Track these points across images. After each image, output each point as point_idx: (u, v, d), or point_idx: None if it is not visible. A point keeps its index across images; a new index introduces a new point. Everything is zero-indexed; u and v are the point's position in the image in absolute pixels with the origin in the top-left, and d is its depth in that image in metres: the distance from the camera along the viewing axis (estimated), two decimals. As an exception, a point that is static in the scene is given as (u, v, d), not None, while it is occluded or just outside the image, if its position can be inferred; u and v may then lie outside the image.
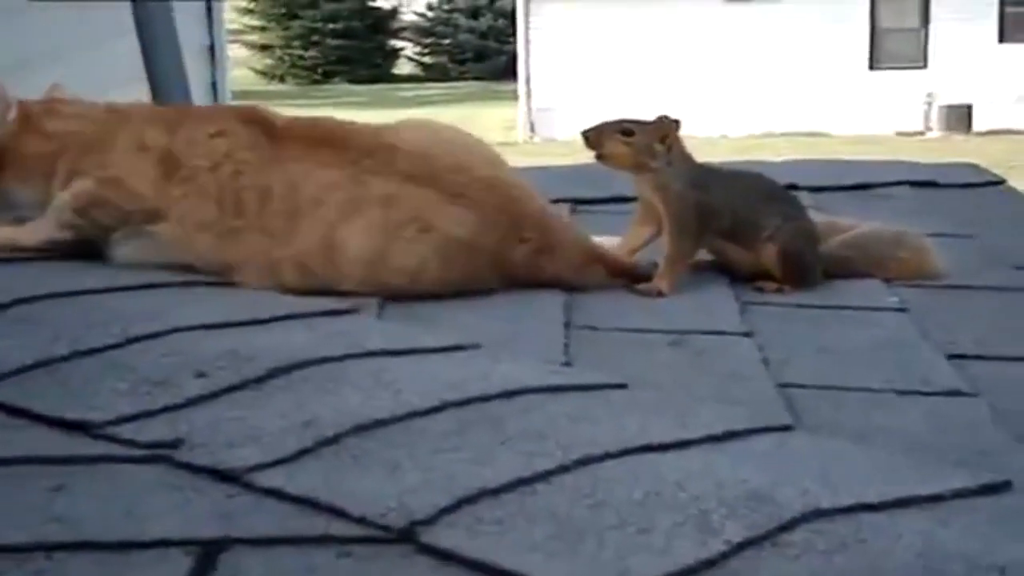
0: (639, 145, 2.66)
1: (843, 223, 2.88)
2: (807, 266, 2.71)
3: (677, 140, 2.69)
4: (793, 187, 3.44)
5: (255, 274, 2.43)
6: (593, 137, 2.69)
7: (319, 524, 1.56)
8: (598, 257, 2.63)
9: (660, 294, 2.59)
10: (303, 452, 1.71)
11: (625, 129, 2.68)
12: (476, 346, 2.12)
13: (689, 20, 25.58)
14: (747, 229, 2.70)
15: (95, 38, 6.71)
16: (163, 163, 2.51)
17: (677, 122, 2.70)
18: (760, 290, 2.67)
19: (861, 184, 3.66)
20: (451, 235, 2.48)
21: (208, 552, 1.50)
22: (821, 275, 2.72)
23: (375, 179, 2.48)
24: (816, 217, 2.86)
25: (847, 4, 25.48)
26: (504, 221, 2.53)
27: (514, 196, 2.58)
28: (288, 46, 33.08)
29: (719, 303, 2.58)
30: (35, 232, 2.51)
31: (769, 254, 2.68)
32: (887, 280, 2.74)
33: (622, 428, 1.80)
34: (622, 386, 1.99)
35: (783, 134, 24.75)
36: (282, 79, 32.92)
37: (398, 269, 2.45)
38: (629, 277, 2.63)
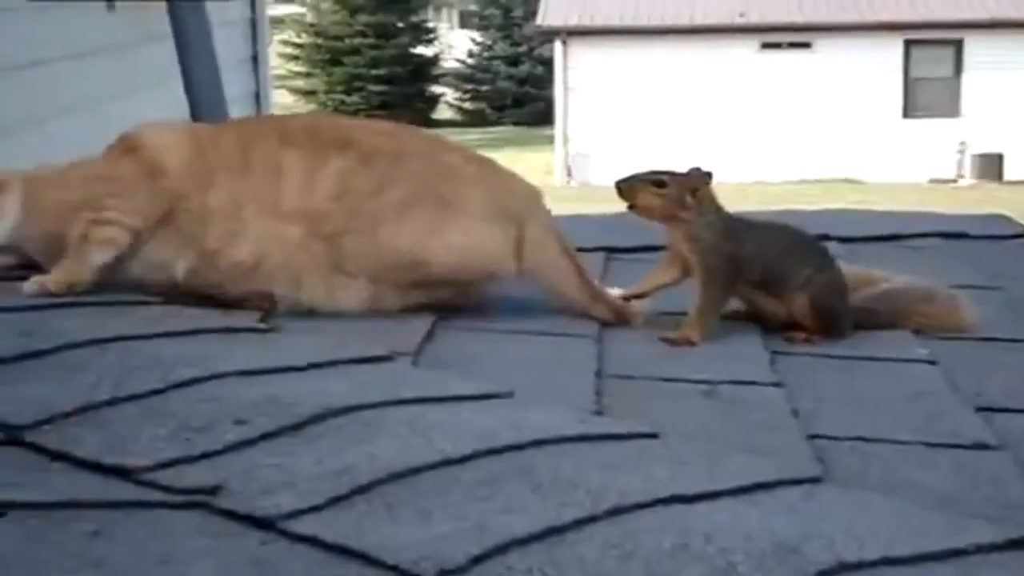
0: (671, 197, 2.70)
1: (877, 275, 2.90)
2: (837, 317, 2.73)
3: (708, 192, 2.72)
4: (825, 237, 3.46)
5: None
6: (626, 189, 2.73)
7: (352, 571, 1.58)
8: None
9: (690, 343, 2.62)
10: (337, 499, 1.74)
11: (657, 181, 2.71)
12: (509, 394, 2.15)
13: (724, 67, 25.66)
14: (778, 280, 2.73)
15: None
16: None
17: (709, 174, 2.73)
18: (790, 340, 2.69)
19: (892, 235, 3.68)
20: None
21: (243, 597, 1.53)
22: (851, 326, 2.74)
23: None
24: (851, 268, 2.88)
25: (881, 53, 25.52)
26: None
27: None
28: (331, 91, 33.30)
29: (749, 353, 2.60)
30: None
31: (800, 304, 2.70)
32: (916, 332, 2.76)
33: (652, 478, 1.83)
34: (653, 435, 2.01)
35: (817, 180, 24.73)
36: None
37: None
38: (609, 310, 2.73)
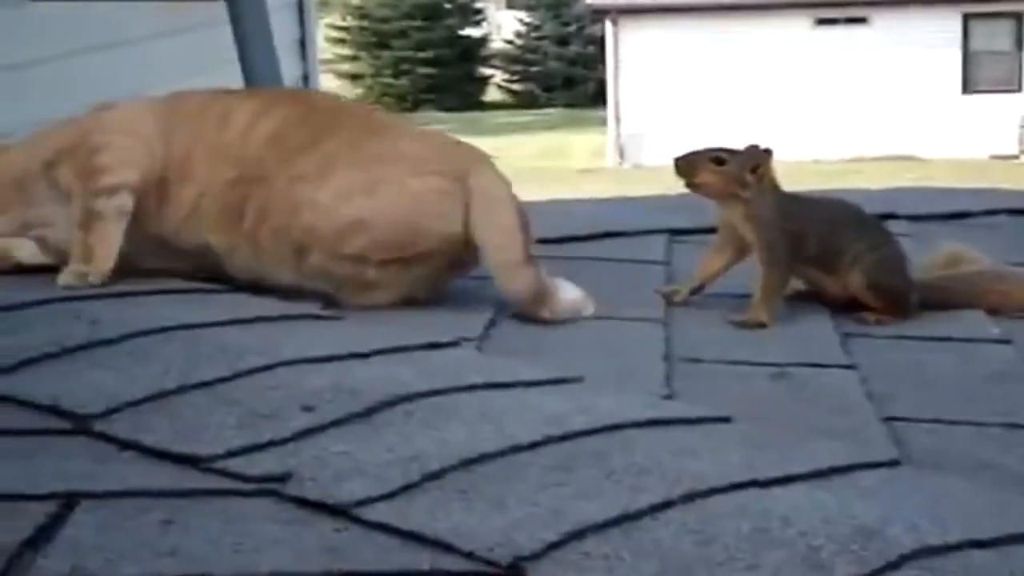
0: (731, 174, 2.66)
1: (970, 255, 2.85)
2: (895, 293, 2.69)
3: (769, 170, 2.68)
4: (891, 216, 3.42)
5: None
6: (684, 165, 2.70)
7: (426, 559, 1.57)
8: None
9: (761, 325, 2.58)
10: (409, 486, 1.72)
11: (717, 158, 2.68)
12: (578, 379, 2.13)
13: (778, 43, 25.47)
14: (833, 255, 2.69)
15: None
16: None
17: (769, 151, 2.70)
18: (861, 321, 2.65)
19: (959, 213, 3.63)
20: None
21: (318, 586, 1.51)
22: (915, 304, 2.70)
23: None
24: (947, 248, 2.84)
25: (939, 27, 25.24)
26: None
27: None
28: (379, 75, 33.36)
29: (820, 335, 2.56)
30: None
31: (855, 281, 2.67)
32: (990, 312, 2.71)
33: (726, 462, 1.80)
34: (725, 420, 1.98)
35: (875, 158, 24.55)
36: (372, 107, 33.18)
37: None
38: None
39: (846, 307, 2.69)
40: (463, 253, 2.54)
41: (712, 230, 3.13)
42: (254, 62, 3.93)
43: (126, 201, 2.54)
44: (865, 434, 2.04)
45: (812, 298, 2.74)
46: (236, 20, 4.04)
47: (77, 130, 2.61)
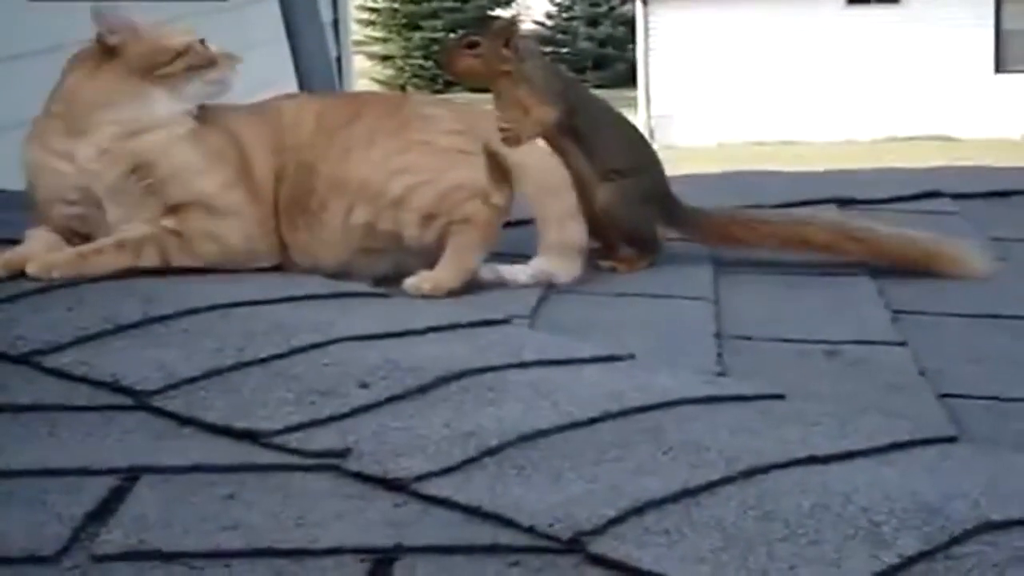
0: (487, 54, 2.71)
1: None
2: (632, 232, 2.77)
3: (523, 40, 2.73)
4: (935, 194, 3.41)
5: None
6: (444, 59, 2.78)
7: (487, 534, 1.58)
8: None
9: (516, 143, 2.61)
10: (468, 462, 1.73)
11: (470, 43, 2.72)
12: (631, 356, 2.13)
13: (810, 23, 25.35)
14: (595, 147, 2.74)
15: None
16: None
17: (514, 20, 2.78)
18: (599, 267, 2.73)
19: (1003, 191, 3.60)
20: None
21: (382, 560, 1.52)
22: (654, 250, 2.79)
23: None
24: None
25: (972, 6, 25.07)
26: None
27: None
28: (409, 56, 33.34)
29: (870, 312, 2.56)
30: None
31: (604, 197, 2.72)
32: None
33: (784, 439, 1.80)
34: (780, 397, 1.98)
35: (907, 138, 24.42)
36: (403, 89, 33.19)
37: None
38: None
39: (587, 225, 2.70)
40: (493, 214, 2.57)
41: (759, 206, 3.14)
42: (303, 43, 3.94)
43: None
44: (921, 411, 2.03)
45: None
46: (285, 6, 4.05)
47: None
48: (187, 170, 2.51)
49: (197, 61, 2.55)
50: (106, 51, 2.51)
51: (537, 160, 2.63)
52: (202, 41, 2.59)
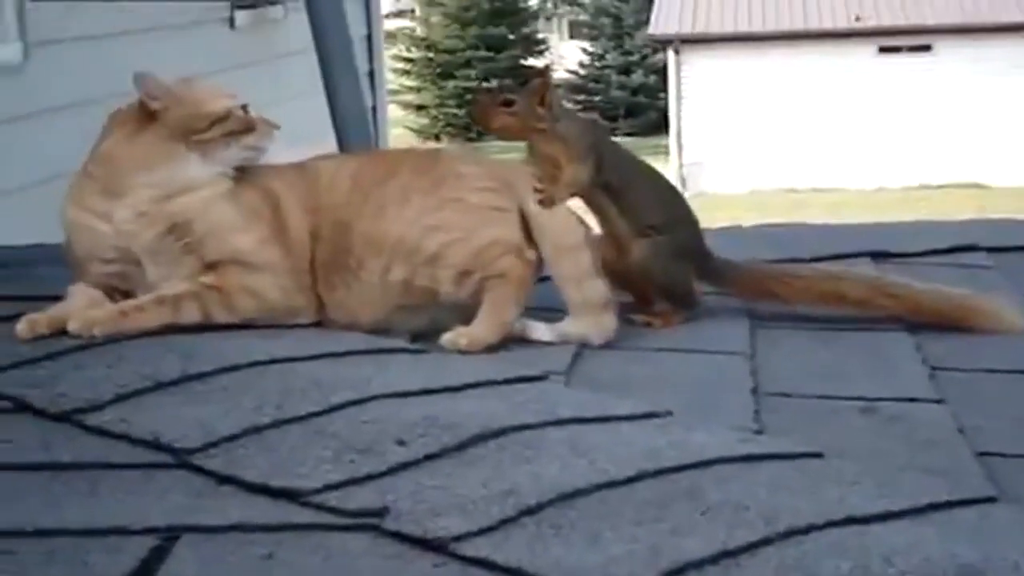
0: (523, 112, 2.73)
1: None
2: (670, 289, 2.78)
3: (556, 96, 2.76)
4: (971, 248, 3.40)
5: None
6: (479, 116, 2.80)
7: (526, 594, 1.58)
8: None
9: (553, 202, 2.63)
10: (506, 521, 1.73)
11: (506, 100, 2.75)
12: (668, 413, 2.13)
13: (841, 71, 25.37)
14: (630, 204, 2.76)
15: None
16: None
17: (545, 73, 2.80)
18: (631, 322, 2.73)
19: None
20: None
21: (421, 621, 1.52)
22: (692, 304, 2.80)
23: None
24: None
25: (1004, 54, 25.05)
26: None
27: None
28: (443, 105, 33.50)
29: (907, 368, 2.55)
30: None
31: (639, 253, 2.75)
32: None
33: (822, 499, 1.80)
34: (818, 455, 1.98)
35: (939, 186, 24.36)
36: (437, 137, 33.34)
37: None
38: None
39: (617, 281, 2.73)
40: (528, 269, 2.59)
41: (793, 261, 3.14)
42: (341, 95, 3.98)
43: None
44: (959, 470, 2.02)
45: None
46: (323, 59, 4.09)
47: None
48: (224, 228, 2.53)
49: (235, 127, 2.58)
50: (146, 114, 2.54)
51: (554, 219, 2.64)
52: (244, 107, 2.62)
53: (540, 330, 2.60)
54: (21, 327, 2.40)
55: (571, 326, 2.60)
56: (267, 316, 2.53)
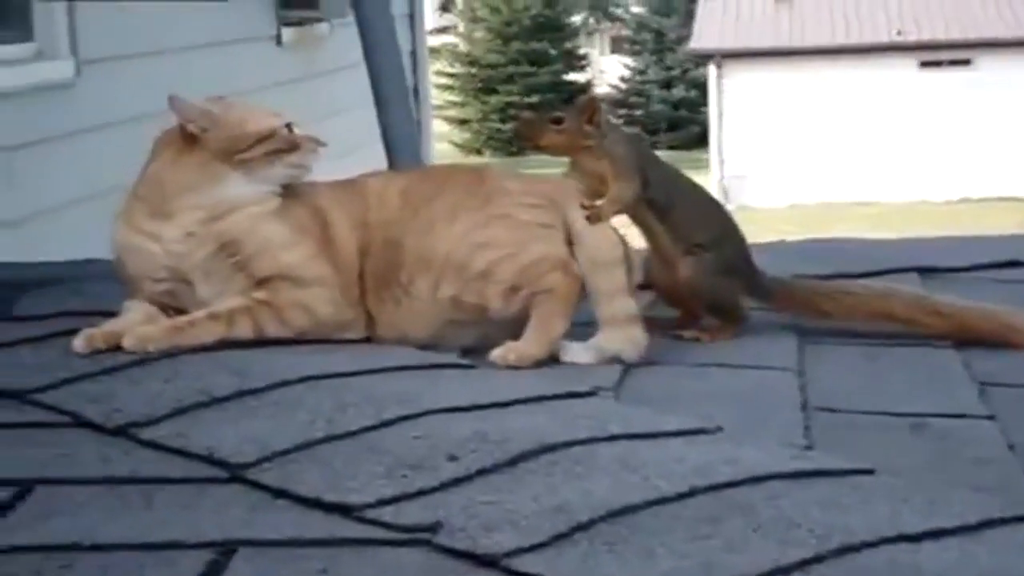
0: (572, 130, 2.75)
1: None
2: (720, 305, 2.80)
3: (604, 115, 2.77)
4: (1015, 263, 3.40)
5: None
6: (527, 131, 2.83)
7: (579, 610, 1.58)
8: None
9: (599, 220, 2.65)
10: (558, 537, 1.74)
11: (555, 118, 2.77)
12: (718, 429, 2.14)
13: (883, 85, 25.30)
14: (678, 221, 2.78)
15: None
16: None
17: (594, 96, 2.89)
18: (679, 338, 2.76)
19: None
20: None
21: (476, 636, 1.53)
22: (740, 319, 2.81)
23: None
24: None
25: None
26: None
27: None
28: (486, 120, 33.59)
29: (956, 384, 2.54)
30: None
31: (687, 270, 2.76)
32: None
33: (874, 516, 1.80)
34: (869, 472, 1.98)
35: (980, 199, 24.24)
36: (479, 152, 33.41)
37: None
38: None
39: (668, 296, 2.82)
40: (575, 284, 2.60)
41: (840, 276, 3.14)
42: (390, 114, 4.00)
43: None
44: (1011, 487, 2.02)
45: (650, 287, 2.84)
46: (374, 76, 4.12)
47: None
48: (272, 245, 2.56)
49: (279, 146, 2.60)
50: (189, 136, 2.57)
51: (594, 234, 2.65)
52: (289, 126, 2.64)
53: (574, 351, 2.60)
54: (78, 342, 2.43)
55: (604, 342, 2.61)
56: (318, 330, 2.56)
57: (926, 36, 25.46)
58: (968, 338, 2.76)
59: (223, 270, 2.54)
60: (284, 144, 2.61)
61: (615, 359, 2.59)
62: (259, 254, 2.55)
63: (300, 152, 2.63)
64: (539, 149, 2.81)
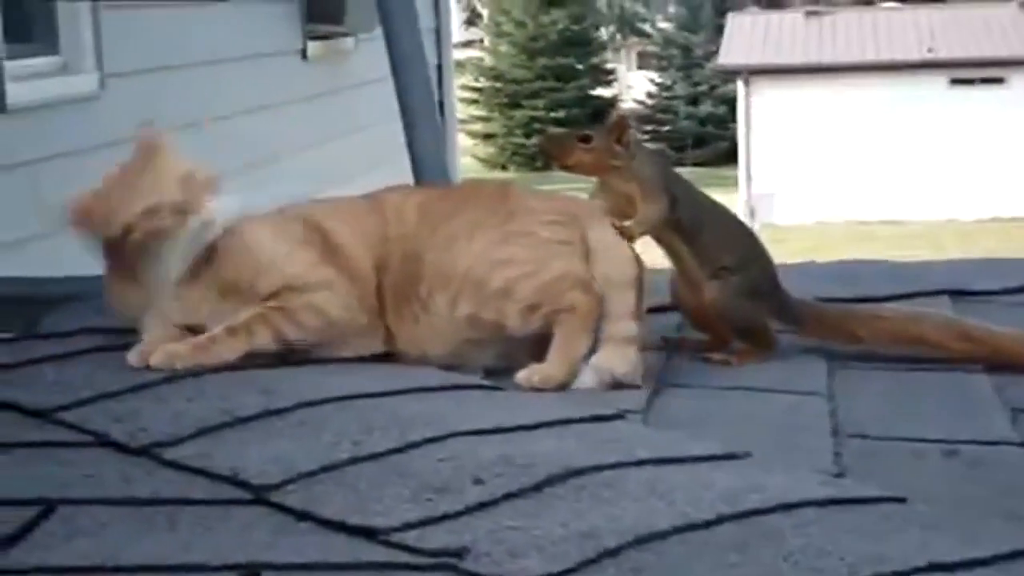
0: (600, 149, 2.73)
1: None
2: (746, 328, 2.77)
3: (633, 135, 2.75)
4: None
5: None
6: (555, 150, 2.80)
7: (606, 638, 1.56)
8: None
9: (632, 238, 2.65)
10: (586, 563, 1.72)
11: (584, 136, 2.75)
12: (747, 455, 2.11)
13: (912, 103, 25.22)
14: (703, 245, 2.75)
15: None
16: None
17: (624, 116, 2.81)
18: (707, 360, 2.73)
19: None
20: None
21: (501, 665, 1.51)
22: (769, 344, 2.79)
23: None
24: None
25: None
26: None
27: None
28: (510, 134, 33.63)
29: (987, 410, 2.51)
30: None
31: (712, 294, 2.73)
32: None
33: (906, 545, 1.77)
34: (900, 500, 1.95)
35: (1011, 218, 24.12)
36: (504, 167, 33.44)
37: None
38: None
39: (693, 319, 2.82)
40: (596, 302, 2.58)
41: (870, 299, 3.11)
42: (417, 129, 3.99)
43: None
44: (1044, 517, 1.99)
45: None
46: (401, 91, 4.10)
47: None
48: (272, 264, 2.55)
49: (158, 225, 2.49)
50: None
51: (610, 254, 2.63)
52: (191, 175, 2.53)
53: (580, 378, 2.56)
54: (133, 357, 2.44)
55: (602, 360, 2.57)
56: (333, 331, 2.55)
57: (957, 54, 25.37)
58: (1000, 363, 2.73)
59: (232, 303, 2.52)
60: (166, 219, 2.50)
61: (616, 381, 2.55)
62: (262, 274, 2.53)
63: (194, 213, 2.51)
64: (566, 168, 2.79)
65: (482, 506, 1.88)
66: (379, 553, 1.78)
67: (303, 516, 1.88)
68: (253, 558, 1.75)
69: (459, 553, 1.75)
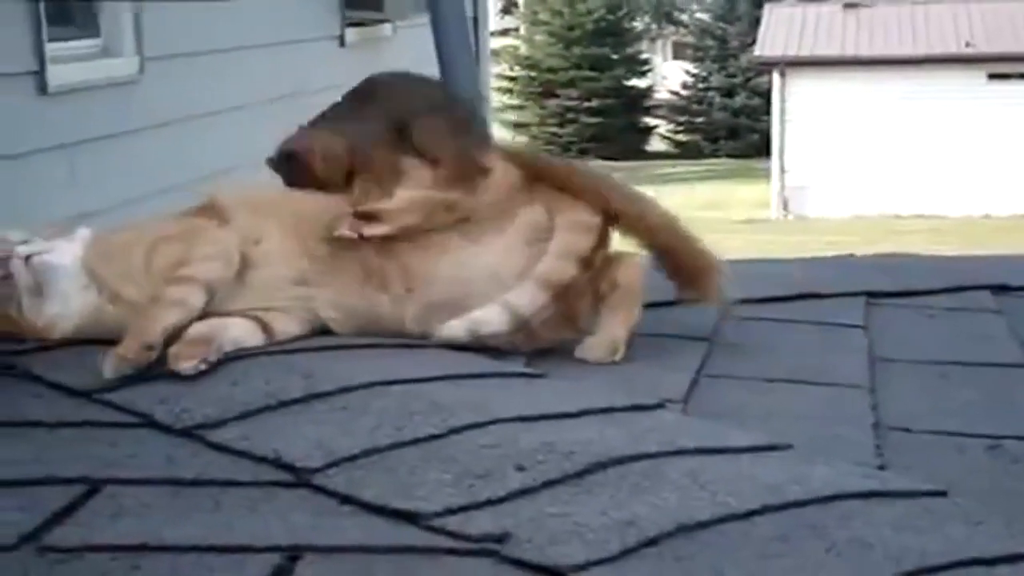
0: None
1: None
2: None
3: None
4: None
5: None
6: None
7: (648, 626, 1.57)
8: None
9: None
10: (627, 552, 1.72)
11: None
12: (788, 446, 2.11)
13: (949, 97, 25.06)
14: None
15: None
16: None
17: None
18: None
19: None
20: None
21: (544, 650, 1.52)
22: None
23: None
24: None
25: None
26: None
27: None
28: (543, 124, 33.60)
29: (1031, 406, 2.51)
30: None
31: None
32: None
33: (949, 538, 1.77)
34: (942, 493, 1.94)
35: (1048, 214, 23.97)
36: (536, 156, 33.38)
37: None
38: None
39: None
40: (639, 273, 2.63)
41: (911, 293, 3.10)
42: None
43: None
44: (1089, 513, 1.98)
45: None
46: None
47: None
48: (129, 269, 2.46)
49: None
50: None
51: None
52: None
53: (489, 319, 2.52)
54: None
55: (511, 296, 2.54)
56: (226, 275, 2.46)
57: (995, 48, 25.18)
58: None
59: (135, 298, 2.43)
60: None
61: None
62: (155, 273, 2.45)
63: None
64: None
65: (524, 493, 1.88)
66: (421, 538, 1.78)
67: (345, 500, 1.88)
68: (296, 540, 1.76)
69: (500, 539, 1.76)
